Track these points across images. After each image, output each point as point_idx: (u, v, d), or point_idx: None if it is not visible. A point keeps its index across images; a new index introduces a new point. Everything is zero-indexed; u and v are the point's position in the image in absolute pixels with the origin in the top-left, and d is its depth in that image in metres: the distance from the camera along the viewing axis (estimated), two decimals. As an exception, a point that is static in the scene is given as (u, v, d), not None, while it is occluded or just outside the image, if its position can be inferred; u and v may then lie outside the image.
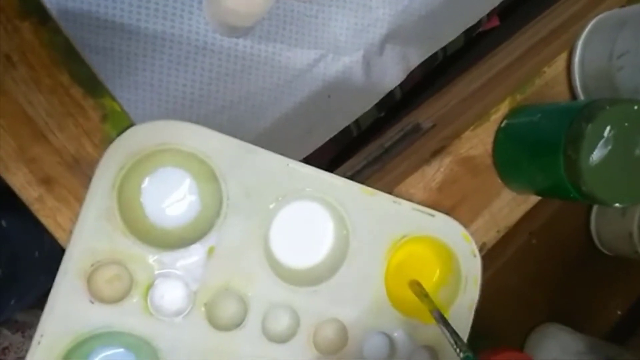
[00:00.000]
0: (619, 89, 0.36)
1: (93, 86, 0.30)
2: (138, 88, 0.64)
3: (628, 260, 0.60)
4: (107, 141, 0.31)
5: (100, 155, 0.30)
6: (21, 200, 0.30)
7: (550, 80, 0.40)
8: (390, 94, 0.74)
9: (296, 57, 0.69)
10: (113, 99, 0.31)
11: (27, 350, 0.29)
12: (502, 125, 0.38)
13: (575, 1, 0.49)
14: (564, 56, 0.40)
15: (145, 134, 0.30)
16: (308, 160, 0.73)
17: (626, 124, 0.31)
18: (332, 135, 0.72)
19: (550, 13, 0.51)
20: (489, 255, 0.41)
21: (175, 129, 0.30)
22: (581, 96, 0.39)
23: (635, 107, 0.31)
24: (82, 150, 0.30)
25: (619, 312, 0.66)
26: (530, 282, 0.61)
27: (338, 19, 0.69)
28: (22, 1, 0.29)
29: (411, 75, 0.75)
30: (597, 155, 0.31)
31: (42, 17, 0.30)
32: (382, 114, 0.78)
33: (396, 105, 0.78)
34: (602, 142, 0.31)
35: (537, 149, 0.35)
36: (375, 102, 0.73)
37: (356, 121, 0.74)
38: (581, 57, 0.39)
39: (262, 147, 0.69)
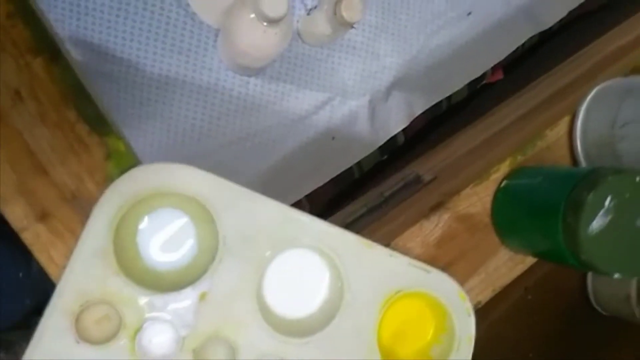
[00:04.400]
0: (620, 158, 0.37)
1: (99, 124, 0.31)
2: (149, 118, 0.64)
3: (625, 322, 0.59)
4: (108, 179, 0.31)
5: (101, 193, 0.30)
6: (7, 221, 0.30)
7: (551, 144, 0.40)
8: (394, 138, 0.75)
9: (304, 99, 0.70)
10: (118, 138, 0.31)
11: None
12: (502, 185, 0.38)
13: (579, 64, 0.50)
14: (566, 120, 0.40)
15: (145, 176, 0.30)
16: (309, 198, 0.73)
17: (627, 195, 0.31)
18: (334, 175, 0.72)
19: (555, 74, 0.51)
20: (484, 308, 0.40)
21: (175, 172, 0.30)
22: (582, 161, 0.39)
23: (637, 179, 0.31)
24: (82, 187, 0.31)
25: (612, 376, 0.64)
26: (524, 336, 0.60)
27: (347, 64, 0.71)
28: (36, 37, 0.30)
29: (415, 122, 0.76)
30: (597, 224, 0.31)
31: (54, 54, 0.30)
32: (385, 157, 0.78)
33: (399, 149, 0.79)
34: (602, 211, 0.31)
35: (536, 212, 0.35)
36: (378, 146, 0.74)
37: (358, 163, 0.74)
38: (583, 123, 0.39)
39: (266, 184, 0.69)
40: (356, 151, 0.73)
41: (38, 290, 0.55)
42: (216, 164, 0.67)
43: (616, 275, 0.32)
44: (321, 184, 0.72)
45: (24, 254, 0.33)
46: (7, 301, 0.57)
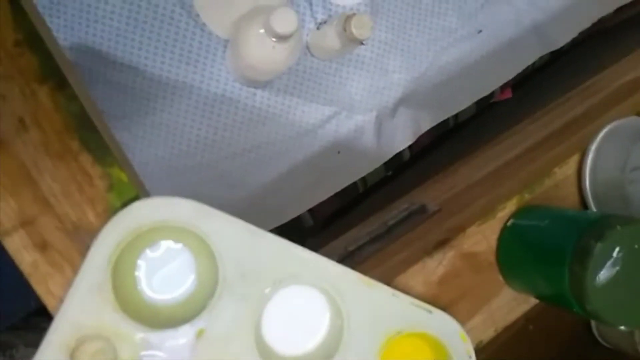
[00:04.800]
0: (630, 202, 0.36)
1: (102, 155, 0.30)
2: (154, 127, 0.64)
3: (628, 356, 0.58)
4: (110, 211, 0.30)
5: (102, 224, 0.30)
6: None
7: (560, 182, 0.39)
8: (399, 154, 0.74)
9: (310, 112, 0.69)
10: (121, 169, 0.31)
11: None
12: (508, 224, 0.38)
13: (590, 94, 0.49)
14: (575, 158, 0.40)
15: (146, 210, 0.29)
16: (311, 211, 0.73)
17: (636, 246, 0.31)
18: (338, 190, 0.72)
19: (564, 103, 0.51)
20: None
21: (176, 206, 0.30)
22: (591, 202, 0.39)
23: (646, 230, 0.31)
24: (83, 218, 0.30)
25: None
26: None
27: (355, 79, 0.70)
28: (43, 65, 0.29)
29: (421, 138, 0.75)
30: (604, 275, 0.31)
31: (60, 82, 0.30)
32: (389, 173, 0.78)
33: (404, 165, 0.78)
34: (610, 262, 0.31)
35: (542, 256, 0.34)
36: (384, 161, 0.73)
37: (363, 178, 0.74)
38: (593, 163, 0.38)
39: (269, 196, 0.69)
40: (361, 166, 0.73)
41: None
42: (220, 174, 0.66)
43: (622, 327, 0.31)
44: (325, 197, 0.71)
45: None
46: (7, 302, 0.57)
